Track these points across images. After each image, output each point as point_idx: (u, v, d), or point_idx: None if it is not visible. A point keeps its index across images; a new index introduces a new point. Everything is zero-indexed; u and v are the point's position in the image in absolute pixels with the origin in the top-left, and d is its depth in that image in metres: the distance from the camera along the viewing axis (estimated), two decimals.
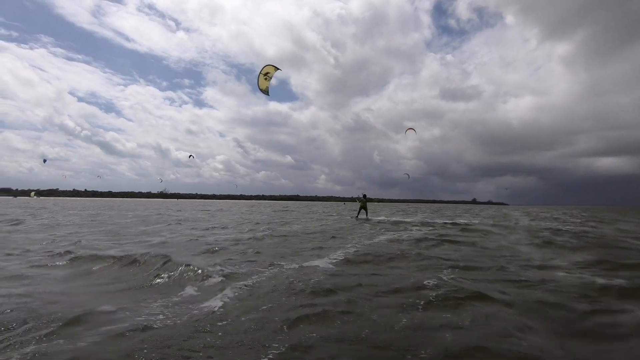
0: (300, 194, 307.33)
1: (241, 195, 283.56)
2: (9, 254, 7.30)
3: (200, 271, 5.20)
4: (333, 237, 10.69)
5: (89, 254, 6.98)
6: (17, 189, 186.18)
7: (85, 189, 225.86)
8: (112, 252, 7.10)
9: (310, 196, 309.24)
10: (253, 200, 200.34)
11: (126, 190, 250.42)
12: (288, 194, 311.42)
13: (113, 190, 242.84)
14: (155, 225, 15.11)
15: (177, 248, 7.95)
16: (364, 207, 20.95)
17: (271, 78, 13.33)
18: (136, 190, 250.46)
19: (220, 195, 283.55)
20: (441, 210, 44.68)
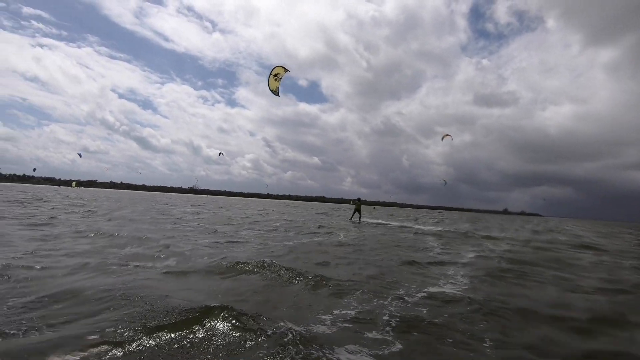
0: (326, 196, 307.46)
1: (268, 194, 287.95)
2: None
3: None
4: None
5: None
6: (60, 179, 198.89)
7: (122, 182, 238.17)
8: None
9: (337, 198, 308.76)
10: (280, 200, 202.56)
11: (159, 185, 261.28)
12: (314, 194, 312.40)
13: (147, 184, 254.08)
14: (269, 232, 11.86)
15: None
16: (357, 210, 21.04)
17: (281, 79, 13.21)
18: (168, 185, 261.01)
19: (248, 193, 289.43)
20: (481, 221, 38.37)
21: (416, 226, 19.70)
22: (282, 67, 12.81)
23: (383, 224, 20.48)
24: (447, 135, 31.66)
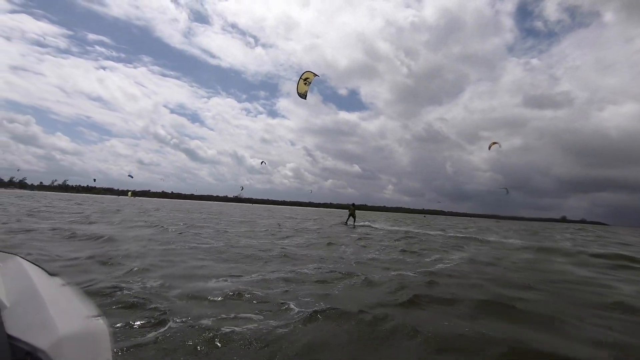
0: (368, 204, 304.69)
1: (309, 202, 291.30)
2: None
3: None
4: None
5: None
6: (118, 189, 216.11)
7: (172, 191, 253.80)
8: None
9: (379, 206, 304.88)
10: (322, 208, 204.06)
11: (205, 194, 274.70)
12: (354, 202, 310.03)
13: (194, 194, 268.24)
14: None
15: None
16: (352, 215, 22.18)
17: (310, 83, 13.97)
18: (214, 194, 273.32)
19: (290, 201, 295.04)
20: (542, 232, 27.47)
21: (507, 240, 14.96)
22: (312, 72, 13.56)
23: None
24: (494, 143, 30.40)
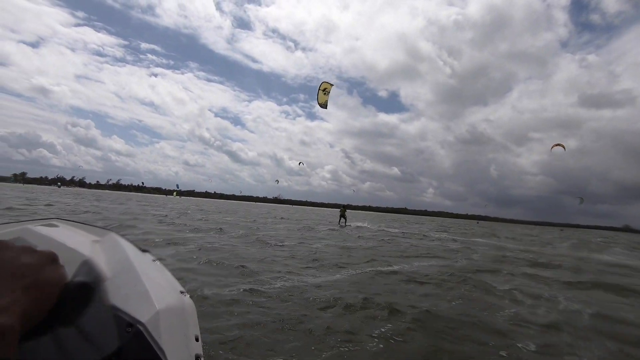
0: (408, 207, 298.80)
1: (348, 204, 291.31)
2: None
3: None
4: None
5: None
6: (165, 189, 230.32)
7: (215, 192, 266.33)
8: None
9: (420, 210, 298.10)
10: (361, 211, 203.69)
11: (246, 194, 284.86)
12: (394, 206, 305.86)
13: (236, 194, 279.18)
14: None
15: None
16: (343, 215, 24.30)
17: (329, 93, 15.47)
18: (254, 195, 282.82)
19: (328, 203, 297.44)
20: None
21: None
22: (328, 82, 15.08)
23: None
24: (557, 144, 29.38)
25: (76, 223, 0.81)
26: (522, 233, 34.46)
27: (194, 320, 0.63)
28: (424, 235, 17.68)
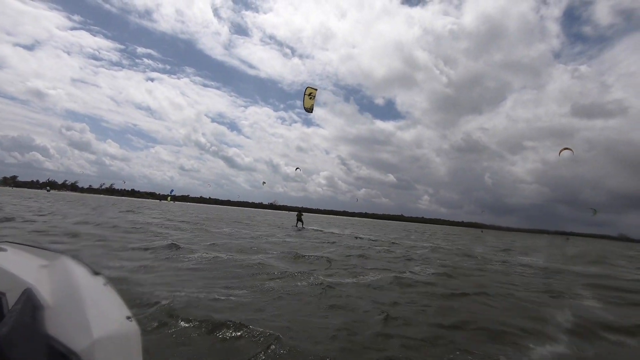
0: (404, 214, 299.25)
1: (344, 211, 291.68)
2: None
3: None
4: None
5: None
6: (159, 194, 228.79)
7: (210, 197, 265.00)
8: None
9: (417, 217, 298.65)
10: (356, 218, 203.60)
11: (241, 200, 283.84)
12: (390, 213, 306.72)
13: (231, 199, 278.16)
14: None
15: None
16: (299, 219, 26.41)
17: (314, 97, 15.07)
18: (249, 200, 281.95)
19: (324, 210, 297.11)
20: None
21: None
22: (313, 87, 14.71)
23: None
24: (566, 148, 28.64)
25: (26, 246, 0.79)
26: (538, 244, 30.90)
27: (137, 348, 0.63)
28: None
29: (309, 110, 15.32)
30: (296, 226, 26.01)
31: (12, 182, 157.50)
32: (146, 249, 8.41)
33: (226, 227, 18.98)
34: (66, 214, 17.85)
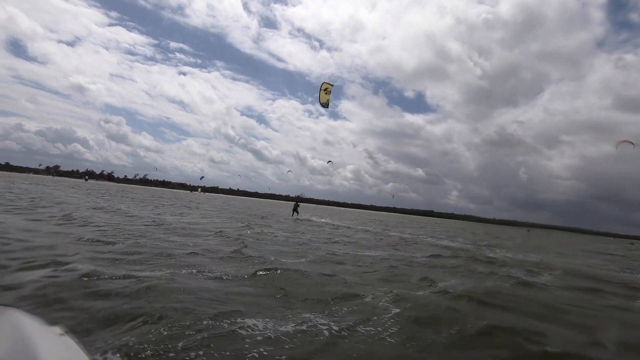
0: (434, 210, 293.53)
1: (371, 205, 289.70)
2: None
3: None
4: None
5: None
6: (190, 185, 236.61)
7: (238, 189, 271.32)
8: None
9: (447, 213, 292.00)
10: (384, 212, 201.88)
11: (268, 192, 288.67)
12: (418, 208, 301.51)
13: (259, 192, 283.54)
14: None
15: None
16: (295, 209, 27.33)
17: (330, 92, 15.57)
18: (276, 193, 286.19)
19: (351, 203, 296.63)
20: None
21: None
22: (329, 83, 15.20)
23: None
24: (624, 141, 25.66)
25: None
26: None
27: None
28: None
29: (325, 105, 15.84)
30: (292, 215, 27.54)
31: (54, 171, 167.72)
32: None
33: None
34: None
